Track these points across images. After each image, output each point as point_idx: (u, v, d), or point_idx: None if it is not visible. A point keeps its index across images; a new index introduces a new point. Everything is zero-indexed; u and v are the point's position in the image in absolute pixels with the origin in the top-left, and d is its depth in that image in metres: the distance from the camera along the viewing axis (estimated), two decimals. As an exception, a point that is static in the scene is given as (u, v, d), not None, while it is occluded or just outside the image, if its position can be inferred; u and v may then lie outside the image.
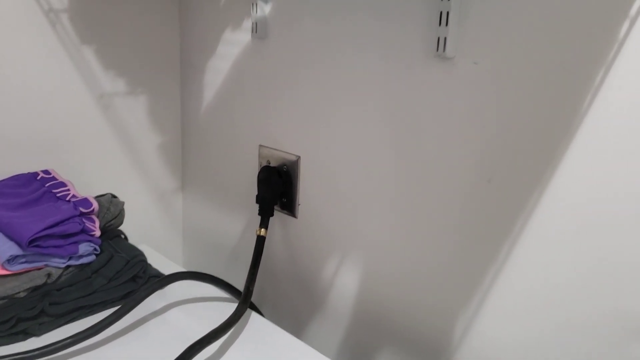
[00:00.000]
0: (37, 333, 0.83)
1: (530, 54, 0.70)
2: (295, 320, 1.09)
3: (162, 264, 1.04)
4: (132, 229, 1.13)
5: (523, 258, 0.75)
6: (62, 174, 1.04)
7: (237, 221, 1.18)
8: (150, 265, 0.97)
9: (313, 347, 0.86)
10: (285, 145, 1.04)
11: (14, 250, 0.82)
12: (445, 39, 0.77)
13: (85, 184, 1.12)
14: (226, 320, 0.83)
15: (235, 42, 1.09)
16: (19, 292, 0.81)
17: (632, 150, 0.64)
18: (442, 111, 0.80)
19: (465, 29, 0.76)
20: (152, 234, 1.28)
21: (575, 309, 0.72)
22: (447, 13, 0.75)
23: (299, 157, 1.02)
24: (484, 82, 0.75)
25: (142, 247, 1.04)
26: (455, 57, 0.78)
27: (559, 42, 0.68)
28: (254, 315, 0.93)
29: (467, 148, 0.79)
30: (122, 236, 1.00)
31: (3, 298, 0.80)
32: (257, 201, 1.04)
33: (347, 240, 0.97)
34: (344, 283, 0.99)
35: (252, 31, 1.03)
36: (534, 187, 0.73)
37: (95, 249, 0.90)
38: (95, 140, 1.14)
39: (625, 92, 0.64)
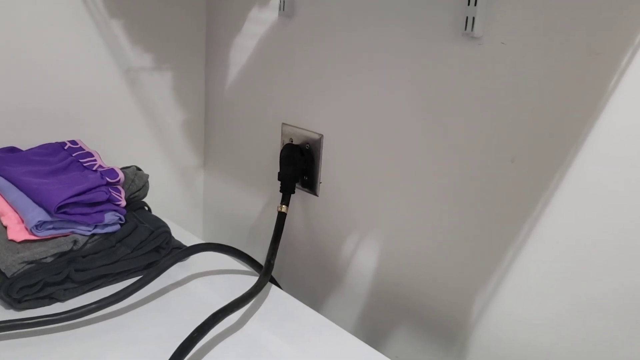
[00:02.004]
0: (62, 298, 0.85)
1: (557, 34, 0.71)
2: (313, 296, 1.11)
3: (184, 237, 1.06)
4: (154, 204, 1.15)
5: (544, 237, 0.76)
6: (88, 146, 1.06)
7: (259, 198, 1.19)
8: (173, 237, 0.99)
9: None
10: (308, 123, 1.05)
11: (42, 216, 0.84)
12: (473, 18, 0.77)
13: (110, 156, 1.14)
14: (248, 291, 0.84)
15: (261, 20, 1.10)
16: (46, 257, 0.83)
17: (658, 131, 0.65)
18: (468, 90, 0.81)
19: (493, 10, 0.76)
20: (173, 209, 1.29)
21: (594, 288, 0.72)
22: (477, -8, 0.76)
23: (322, 135, 1.03)
24: (510, 62, 0.76)
25: (164, 221, 1.05)
26: (483, 36, 0.78)
27: (586, 23, 0.68)
28: (273, 288, 0.94)
29: (491, 127, 0.79)
30: (146, 208, 1.02)
31: (31, 262, 0.82)
32: (279, 178, 1.05)
33: (366, 219, 0.98)
34: (363, 261, 1.00)
35: (280, 9, 1.04)
36: (557, 167, 0.73)
37: (120, 219, 0.92)
38: (120, 114, 1.16)
39: (654, 73, 0.64)
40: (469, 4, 0.77)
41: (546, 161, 0.74)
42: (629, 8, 0.65)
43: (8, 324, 0.74)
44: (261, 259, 0.99)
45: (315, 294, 1.10)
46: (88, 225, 0.88)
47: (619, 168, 0.68)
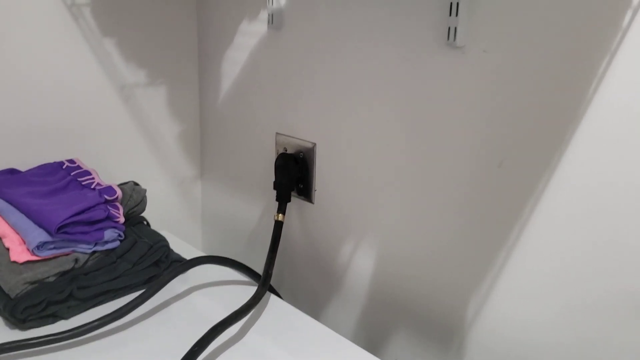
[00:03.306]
0: (66, 316, 0.87)
1: (537, 42, 0.72)
2: (313, 303, 1.13)
3: (183, 249, 1.08)
4: (153, 216, 1.17)
5: (533, 239, 0.78)
6: (86, 163, 1.08)
7: (255, 207, 1.21)
8: (172, 250, 1.01)
9: (330, 327, 0.89)
10: (301, 132, 1.07)
11: (43, 236, 0.86)
12: (455, 28, 0.79)
13: (108, 172, 1.16)
14: (247, 303, 0.86)
15: (251, 33, 1.11)
16: (48, 277, 0.85)
17: (637, 134, 0.66)
18: (453, 98, 0.83)
19: (474, 19, 0.78)
20: (172, 221, 1.31)
21: (584, 288, 0.74)
22: (457, 4, 0.77)
23: (315, 144, 1.04)
24: (493, 69, 0.77)
25: (162, 233, 1.07)
26: (465, 45, 0.80)
27: (564, 31, 0.70)
28: (273, 297, 0.96)
29: (478, 134, 0.81)
30: (145, 222, 1.04)
31: (34, 282, 0.84)
32: (275, 187, 1.07)
33: (362, 224, 1.00)
34: (360, 265, 1.02)
35: (268, 22, 1.05)
36: (543, 171, 0.75)
37: (119, 235, 0.94)
38: (117, 130, 1.18)
39: (629, 79, 0.66)
40: (450, 15, 0.79)
41: (532, 165, 0.76)
42: (606, 15, 0.66)
43: (14, 344, 0.76)
44: (260, 267, 1.01)
45: (316, 299, 1.12)
46: (88, 243, 0.90)
47: (602, 170, 0.70)
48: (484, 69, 0.78)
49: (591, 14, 0.67)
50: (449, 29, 0.79)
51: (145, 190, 1.04)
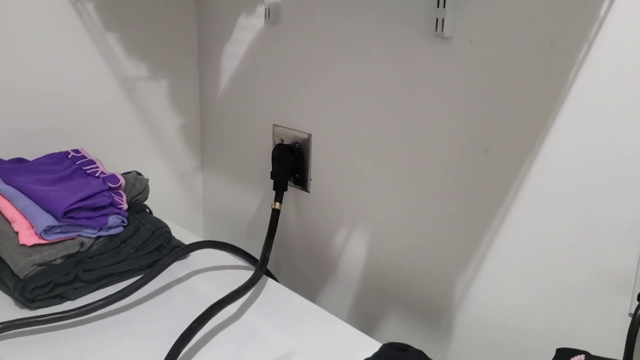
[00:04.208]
0: (72, 297, 0.91)
1: (521, 32, 0.76)
2: (308, 288, 1.16)
3: (185, 236, 1.12)
4: (155, 206, 1.21)
5: (516, 224, 0.81)
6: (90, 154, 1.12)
7: (254, 196, 1.25)
8: (173, 236, 1.05)
9: (324, 309, 0.93)
10: (297, 124, 1.11)
11: (50, 221, 0.90)
12: (443, 20, 0.83)
13: (111, 163, 1.20)
14: (244, 283, 0.90)
15: (249, 27, 1.15)
16: (55, 259, 0.89)
17: (614, 118, 0.70)
18: (441, 87, 0.86)
19: (461, 11, 0.82)
20: (174, 210, 1.35)
21: (565, 271, 0.77)
22: (444, -4, 0.81)
23: (310, 135, 1.08)
24: (479, 59, 0.81)
25: (165, 221, 1.11)
26: (453, 36, 0.83)
27: (546, 21, 0.74)
28: (270, 281, 1.00)
29: (464, 121, 0.85)
30: (147, 210, 1.08)
31: (42, 264, 0.88)
32: (272, 177, 1.11)
33: (355, 212, 1.04)
34: (353, 252, 1.06)
35: (265, 17, 1.09)
36: (525, 156, 0.79)
37: (123, 221, 0.98)
38: (120, 122, 1.22)
39: (607, 65, 0.70)
40: (438, 6, 0.83)
41: (516, 151, 0.80)
42: (584, 6, 0.70)
43: (24, 321, 0.80)
44: (259, 254, 1.05)
45: (311, 285, 1.16)
46: (93, 228, 0.94)
47: (580, 155, 0.74)
48: (470, 59, 0.82)
49: (571, 5, 0.71)
50: (437, 20, 0.83)
51: (147, 180, 1.08)
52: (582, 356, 0.56)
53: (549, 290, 0.80)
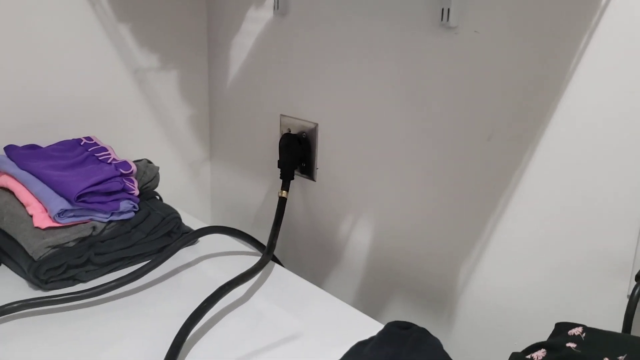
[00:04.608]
0: (84, 279, 0.93)
1: (524, 22, 0.78)
2: (314, 274, 1.19)
3: (193, 224, 1.14)
4: (165, 194, 1.22)
5: (518, 208, 0.84)
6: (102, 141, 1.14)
7: (261, 185, 1.27)
8: (183, 223, 1.07)
9: (330, 293, 0.95)
10: (304, 114, 1.13)
11: (64, 205, 0.92)
12: (448, 9, 0.85)
13: (122, 151, 1.22)
14: (252, 267, 0.92)
15: (258, 19, 1.18)
16: (68, 242, 0.91)
17: (613, 105, 0.72)
18: (446, 76, 0.88)
19: (466, 1, 0.84)
20: (182, 199, 1.38)
21: (566, 253, 0.79)
22: (449, -14, 0.83)
23: (317, 124, 1.10)
24: (484, 48, 0.83)
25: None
26: (458, 26, 0.86)
27: (549, 11, 0.76)
28: (276, 266, 1.02)
29: (469, 109, 0.87)
30: (158, 197, 1.10)
31: (55, 247, 0.90)
32: (279, 166, 1.13)
33: (360, 200, 1.06)
34: (358, 239, 1.08)
35: (274, 8, 1.12)
36: (528, 142, 0.81)
37: (134, 207, 1.00)
38: (131, 112, 1.24)
39: (607, 53, 0.72)
40: (443, -2, 0.85)
41: (519, 137, 0.82)
42: (583, -4, 0.72)
43: (38, 300, 0.83)
44: (265, 241, 1.07)
45: (317, 271, 1.18)
46: (105, 212, 0.96)
47: (581, 143, 0.75)
48: (475, 48, 0.84)
49: (570, -6, 0.73)
50: (443, 10, 0.85)
51: (158, 168, 1.10)
52: (580, 328, 0.58)
53: (550, 271, 0.82)
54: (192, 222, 1.16)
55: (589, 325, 0.61)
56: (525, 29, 0.78)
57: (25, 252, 0.90)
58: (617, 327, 0.76)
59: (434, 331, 0.97)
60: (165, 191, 1.24)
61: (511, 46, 0.80)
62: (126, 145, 1.25)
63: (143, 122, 1.27)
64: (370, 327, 0.85)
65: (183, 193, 1.38)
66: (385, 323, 0.72)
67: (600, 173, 0.75)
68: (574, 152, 0.77)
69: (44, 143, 1.11)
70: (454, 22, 0.85)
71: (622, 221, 0.73)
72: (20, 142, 1.09)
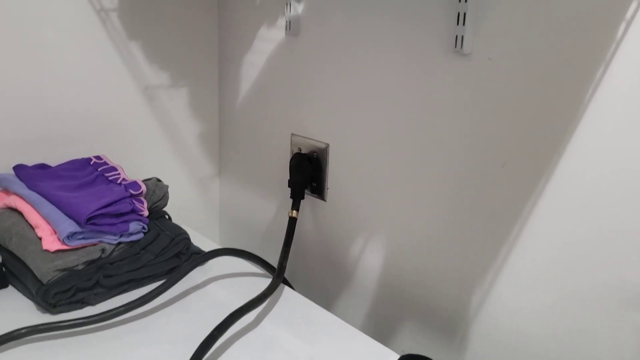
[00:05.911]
0: (93, 302, 0.93)
1: (539, 51, 0.77)
2: (325, 295, 1.18)
3: (202, 242, 1.14)
4: (174, 212, 1.23)
5: (533, 234, 0.83)
6: (111, 160, 1.14)
7: (271, 204, 1.26)
8: (192, 243, 1.06)
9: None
10: (315, 133, 1.12)
11: (73, 227, 0.91)
12: (462, 37, 0.84)
13: (132, 168, 1.22)
14: (262, 292, 0.91)
15: (269, 38, 1.17)
16: (77, 265, 0.91)
17: (629, 135, 0.71)
18: (460, 102, 0.88)
19: (480, 28, 0.83)
20: (191, 216, 1.37)
21: (580, 280, 0.79)
22: (464, 14, 0.82)
23: (328, 144, 1.10)
24: (497, 75, 0.82)
25: (182, 228, 1.13)
26: (472, 53, 0.85)
27: (564, 40, 0.75)
28: (286, 289, 1.01)
29: (483, 136, 0.86)
30: (167, 217, 1.10)
31: (64, 270, 0.89)
32: (289, 185, 1.12)
33: (372, 221, 1.05)
34: (369, 260, 1.07)
35: (286, 29, 1.11)
36: (542, 170, 0.80)
37: (143, 228, 1.00)
38: (141, 129, 1.24)
39: (622, 86, 0.70)
40: (458, 24, 0.84)
41: (533, 165, 0.81)
42: (602, 27, 0.71)
43: (46, 326, 0.82)
44: (275, 261, 1.07)
45: (327, 292, 1.17)
46: (114, 234, 0.96)
47: (597, 172, 0.74)
48: (489, 76, 0.83)
49: (589, 25, 0.72)
50: (457, 37, 0.84)
51: (167, 187, 1.10)
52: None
53: (564, 298, 0.81)
54: (200, 240, 1.16)
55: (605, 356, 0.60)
56: (540, 57, 0.77)
57: (34, 275, 0.90)
58: (627, 356, 0.74)
59: (446, 355, 0.96)
60: (175, 208, 1.24)
61: (525, 74, 0.79)
62: (136, 162, 1.24)
63: (153, 137, 1.26)
64: (383, 356, 0.84)
65: (191, 209, 1.38)
66: (396, 345, 0.71)
67: (615, 203, 0.74)
68: (589, 181, 0.75)
69: (53, 159, 1.10)
70: (467, 49, 0.84)
71: (638, 252, 0.72)
72: (29, 158, 1.09)
